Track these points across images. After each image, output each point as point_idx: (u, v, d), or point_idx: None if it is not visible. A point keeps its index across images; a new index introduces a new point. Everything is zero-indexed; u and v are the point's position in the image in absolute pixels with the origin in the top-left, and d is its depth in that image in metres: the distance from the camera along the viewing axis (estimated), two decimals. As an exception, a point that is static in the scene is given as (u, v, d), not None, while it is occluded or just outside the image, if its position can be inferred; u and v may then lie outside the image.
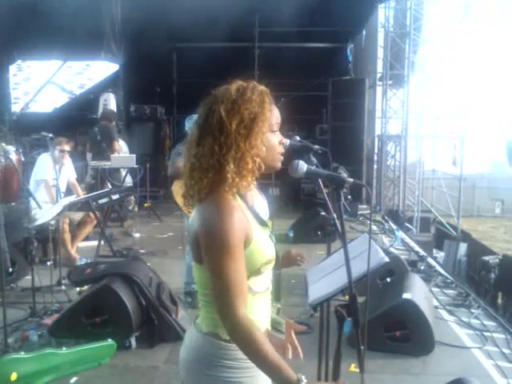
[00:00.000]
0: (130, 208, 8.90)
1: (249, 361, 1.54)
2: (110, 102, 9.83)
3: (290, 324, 1.84)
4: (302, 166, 1.77)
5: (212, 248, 1.50)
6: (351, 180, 1.76)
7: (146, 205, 9.53)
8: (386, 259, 2.22)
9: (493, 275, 8.39)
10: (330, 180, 1.77)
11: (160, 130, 12.45)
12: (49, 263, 5.41)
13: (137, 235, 8.02)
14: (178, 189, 4.72)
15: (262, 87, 1.63)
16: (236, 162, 1.54)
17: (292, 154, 2.80)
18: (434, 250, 10.35)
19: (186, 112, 4.60)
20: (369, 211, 10.26)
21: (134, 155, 8.64)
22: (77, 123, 11.53)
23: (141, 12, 9.78)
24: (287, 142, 2.73)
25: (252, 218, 1.63)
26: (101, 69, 13.49)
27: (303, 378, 1.45)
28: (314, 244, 7.05)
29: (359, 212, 9.58)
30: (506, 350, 4.05)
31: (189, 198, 1.62)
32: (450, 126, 12.97)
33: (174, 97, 13.78)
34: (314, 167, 1.88)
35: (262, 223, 1.69)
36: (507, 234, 17.00)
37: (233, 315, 1.48)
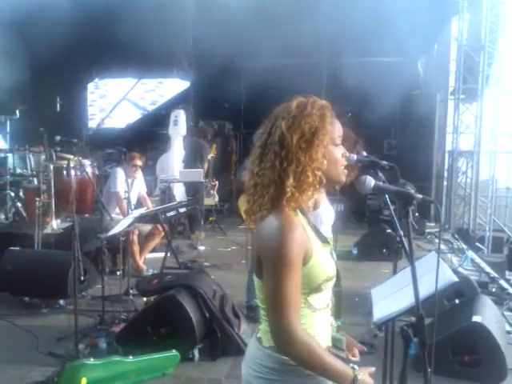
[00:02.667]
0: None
1: (311, 374, 1.56)
2: (181, 118, 10.10)
3: (352, 342, 1.84)
4: (370, 181, 1.76)
5: (271, 263, 1.52)
6: (420, 196, 1.72)
7: (210, 218, 9.69)
8: (455, 279, 2.15)
9: None
10: (398, 196, 1.74)
11: (227, 145, 12.67)
12: (118, 273, 5.60)
13: (201, 248, 8.17)
14: (243, 203, 4.78)
15: (322, 101, 1.65)
16: (296, 176, 1.55)
17: (359, 169, 2.79)
18: (507, 272, 9.85)
19: (253, 128, 4.66)
20: (437, 229, 9.95)
21: (202, 170, 8.84)
22: (148, 138, 11.94)
23: (211, 31, 10.05)
24: (354, 156, 2.71)
25: (313, 235, 1.63)
26: (172, 86, 13.92)
27: (358, 375, 1.56)
28: (379, 262, 6.92)
29: (427, 230, 9.32)
30: None
31: (251, 215, 1.64)
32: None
33: (241, 113, 13.98)
34: (382, 183, 1.86)
35: (323, 240, 1.69)
36: None
37: (290, 330, 1.49)
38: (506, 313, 5.31)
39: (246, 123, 13.67)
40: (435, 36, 11.72)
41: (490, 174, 11.39)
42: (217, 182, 9.52)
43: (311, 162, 1.56)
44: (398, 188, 1.75)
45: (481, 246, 10.64)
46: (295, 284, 1.52)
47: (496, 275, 6.97)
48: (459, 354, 3.80)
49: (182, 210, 6.78)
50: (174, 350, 3.85)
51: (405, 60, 12.47)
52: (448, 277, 2.17)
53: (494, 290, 6.09)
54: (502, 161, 11.97)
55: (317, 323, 1.64)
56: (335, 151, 1.65)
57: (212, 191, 9.30)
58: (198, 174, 8.63)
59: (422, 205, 1.92)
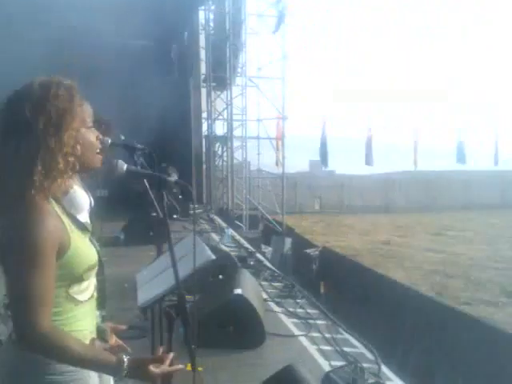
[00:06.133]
0: None
1: (71, 373, 1.48)
2: None
3: (111, 327, 1.81)
4: (122, 164, 1.73)
5: (17, 257, 1.39)
6: (173, 179, 1.75)
7: None
8: (213, 257, 2.24)
9: (314, 266, 9.06)
10: (151, 180, 1.75)
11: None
12: None
13: None
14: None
15: (68, 82, 1.54)
16: (45, 164, 1.43)
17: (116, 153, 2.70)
18: (263, 246, 10.85)
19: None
20: (200, 210, 10.41)
21: None
22: None
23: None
24: (108, 140, 2.63)
25: (69, 223, 1.53)
26: None
27: (124, 357, 1.46)
28: (146, 245, 6.91)
29: (191, 211, 9.66)
30: (327, 335, 4.35)
31: None
32: (271, 128, 13.71)
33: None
34: (134, 167, 1.83)
35: (81, 227, 1.60)
36: (325, 229, 18.46)
37: (36, 327, 1.38)
38: (263, 282, 5.81)
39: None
40: (184, 24, 12.02)
41: (243, 157, 12.32)
42: None
43: (61, 147, 1.45)
44: (151, 172, 1.75)
45: (240, 224, 11.49)
46: (45, 278, 1.40)
47: (253, 249, 7.57)
48: (225, 325, 4.03)
49: None
50: None
51: (157, 45, 12.52)
52: (207, 255, 2.26)
53: (252, 263, 6.59)
54: (252, 145, 13.04)
55: (80, 316, 1.55)
56: (88, 134, 1.57)
57: None
58: None
59: (185, 188, 1.95)
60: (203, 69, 11.71)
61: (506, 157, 28.47)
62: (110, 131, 2.84)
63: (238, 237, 8.50)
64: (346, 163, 29.20)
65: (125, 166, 1.73)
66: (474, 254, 13.19)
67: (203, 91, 11.78)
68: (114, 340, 1.79)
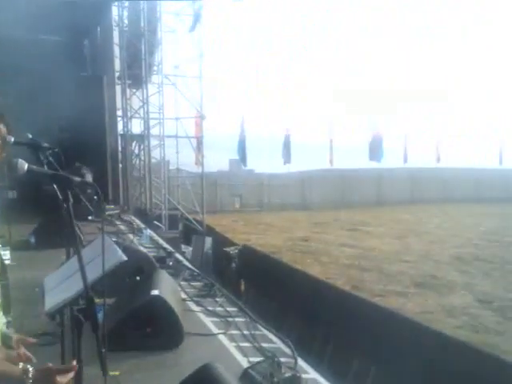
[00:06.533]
0: None
1: None
2: None
3: (20, 339, 1.71)
4: (22, 164, 1.65)
5: None
6: (78, 179, 1.71)
7: None
8: (124, 258, 2.19)
9: (234, 264, 9.11)
10: (55, 180, 1.69)
11: None
12: None
13: None
14: None
15: None
16: None
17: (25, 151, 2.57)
18: (183, 246, 10.75)
19: None
20: (117, 211, 10.17)
21: None
22: None
23: None
24: (11, 138, 2.49)
25: None
26: None
27: (29, 368, 1.42)
28: (59, 249, 6.64)
29: (106, 212, 9.39)
30: (245, 332, 4.38)
31: None
32: (190, 127, 13.62)
33: None
34: (37, 166, 1.76)
35: None
36: (246, 227, 18.61)
37: None
38: (183, 282, 5.74)
39: None
40: (97, 19, 11.66)
41: (161, 156, 12.15)
42: None
43: None
44: (54, 172, 1.69)
45: (159, 224, 11.32)
46: None
47: (172, 249, 7.47)
48: (142, 327, 3.95)
49: None
50: None
51: (69, 41, 12.08)
52: (118, 256, 2.20)
53: (171, 263, 6.50)
54: (170, 144, 12.89)
55: None
56: None
57: None
58: None
59: (100, 188, 1.90)
60: (117, 66, 11.42)
61: (415, 154, 30.04)
62: (10, 129, 2.69)
63: (156, 237, 8.37)
64: (265, 162, 29.63)
65: (26, 166, 1.65)
66: (387, 248, 13.83)
67: (118, 88, 11.49)
68: (22, 350, 1.72)
